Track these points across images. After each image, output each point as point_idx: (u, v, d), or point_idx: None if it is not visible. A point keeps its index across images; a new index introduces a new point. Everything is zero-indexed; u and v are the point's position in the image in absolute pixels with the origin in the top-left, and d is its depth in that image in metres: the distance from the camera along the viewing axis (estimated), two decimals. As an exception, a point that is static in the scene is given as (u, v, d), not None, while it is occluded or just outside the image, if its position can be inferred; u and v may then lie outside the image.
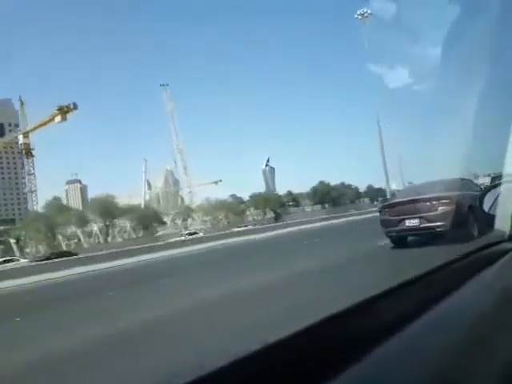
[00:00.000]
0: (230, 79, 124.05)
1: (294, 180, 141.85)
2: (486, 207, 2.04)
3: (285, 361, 0.63)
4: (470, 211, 8.37)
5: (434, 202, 8.71)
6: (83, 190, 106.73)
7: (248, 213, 75.82)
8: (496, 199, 1.94)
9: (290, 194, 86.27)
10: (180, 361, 1.98)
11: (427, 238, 8.80)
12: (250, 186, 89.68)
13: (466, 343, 0.83)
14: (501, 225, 1.72)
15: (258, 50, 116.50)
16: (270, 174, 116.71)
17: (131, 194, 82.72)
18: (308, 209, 79.15)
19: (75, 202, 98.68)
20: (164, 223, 71.01)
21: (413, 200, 9.15)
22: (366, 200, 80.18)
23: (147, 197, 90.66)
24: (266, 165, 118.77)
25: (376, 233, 10.28)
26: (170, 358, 2.65)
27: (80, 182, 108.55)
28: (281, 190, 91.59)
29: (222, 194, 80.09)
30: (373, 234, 11.28)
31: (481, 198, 2.08)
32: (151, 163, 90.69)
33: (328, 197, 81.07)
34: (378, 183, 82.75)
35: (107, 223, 62.23)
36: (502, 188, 1.97)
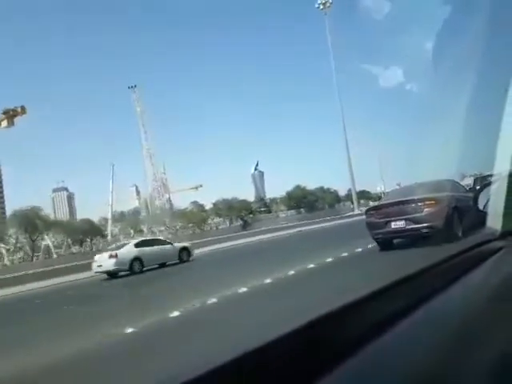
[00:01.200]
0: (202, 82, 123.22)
1: (271, 184, 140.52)
2: (480, 205, 2.08)
3: (276, 359, 0.65)
4: (455, 212, 8.64)
5: (420, 204, 8.85)
6: (70, 198, 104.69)
7: (210, 221, 70.41)
8: (489, 198, 1.98)
9: (261, 199, 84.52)
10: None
11: (412, 240, 9.00)
12: (232, 190, 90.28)
13: (456, 341, 0.85)
14: (492, 223, 1.76)
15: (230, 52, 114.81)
16: (259, 178, 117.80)
17: (118, 200, 78.88)
18: (282, 215, 76.07)
19: (62, 211, 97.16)
20: (105, 236, 64.02)
21: (398, 202, 9.30)
22: (349, 203, 78.07)
23: (136, 204, 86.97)
24: (255, 169, 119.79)
25: (352, 240, 10.60)
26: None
27: (67, 189, 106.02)
28: (273, 194, 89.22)
29: (206, 199, 77.70)
30: (347, 242, 11.54)
31: (475, 197, 2.14)
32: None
33: (305, 201, 78.73)
34: (363, 186, 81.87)
35: (33, 238, 54.10)
36: (493, 187, 2.03)
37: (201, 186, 77.45)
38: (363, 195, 76.57)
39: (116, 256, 16.34)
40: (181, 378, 0.56)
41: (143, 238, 21.28)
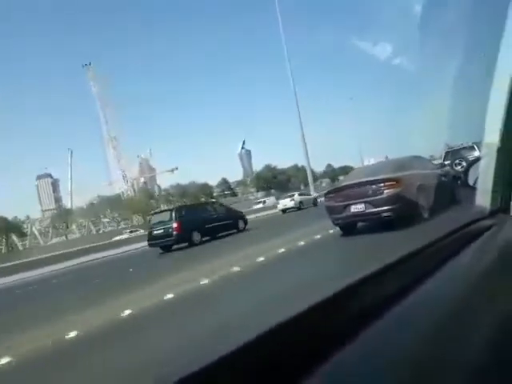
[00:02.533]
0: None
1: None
2: (470, 181, 2.07)
3: (271, 350, 0.66)
4: (421, 192, 8.43)
5: (380, 185, 8.50)
6: (55, 185, 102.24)
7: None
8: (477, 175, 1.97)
9: (224, 182, 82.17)
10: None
11: (375, 223, 8.85)
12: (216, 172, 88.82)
13: (450, 324, 0.86)
14: (481, 201, 1.76)
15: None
16: (246, 156, 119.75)
17: (111, 183, 77.67)
18: (250, 197, 72.92)
19: (47, 198, 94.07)
20: (24, 235, 58.94)
21: (358, 183, 8.97)
22: (326, 181, 76.07)
23: (124, 187, 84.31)
24: (242, 147, 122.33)
25: (313, 224, 10.70)
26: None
27: (51, 176, 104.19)
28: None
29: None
30: (306, 227, 11.72)
31: (465, 173, 2.15)
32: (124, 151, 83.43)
33: (275, 181, 76.80)
34: (344, 161, 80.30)
35: None
36: (482, 162, 2.03)
37: (176, 168, 77.25)
38: (344, 171, 73.59)
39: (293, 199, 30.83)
40: (178, 373, 0.56)
41: (300, 192, 36.50)
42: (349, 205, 8.80)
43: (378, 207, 8.42)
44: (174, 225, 15.94)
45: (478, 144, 14.66)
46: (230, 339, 0.66)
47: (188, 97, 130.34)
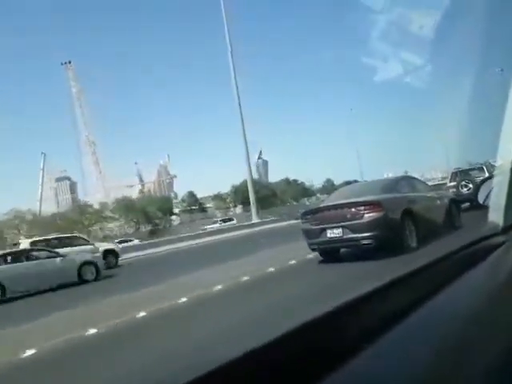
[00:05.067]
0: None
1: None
2: (481, 198, 2.17)
3: (275, 362, 0.67)
4: (407, 217, 7.90)
5: (360, 208, 7.84)
6: (73, 188, 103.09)
7: (111, 224, 57.65)
8: (490, 191, 2.08)
9: (191, 195, 76.23)
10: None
11: (354, 251, 8.28)
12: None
13: (460, 341, 0.87)
14: (494, 217, 1.82)
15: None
16: (263, 166, 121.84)
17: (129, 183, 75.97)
18: (219, 214, 66.38)
19: (65, 201, 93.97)
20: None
21: (336, 205, 8.41)
22: (324, 196, 73.85)
23: (136, 191, 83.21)
24: (259, 157, 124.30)
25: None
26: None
27: (69, 178, 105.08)
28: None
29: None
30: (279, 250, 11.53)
31: (476, 190, 2.19)
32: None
33: (257, 196, 73.11)
34: (350, 176, 76.08)
35: None
36: (495, 180, 2.13)
37: (175, 176, 75.75)
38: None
39: None
40: (181, 378, 0.58)
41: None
42: (325, 228, 8.17)
43: (357, 233, 7.78)
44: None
45: (487, 165, 14.52)
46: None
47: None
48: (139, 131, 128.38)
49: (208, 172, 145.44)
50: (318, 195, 74.59)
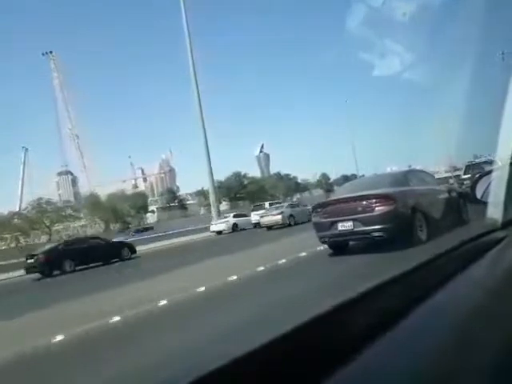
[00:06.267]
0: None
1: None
2: (478, 194, 2.16)
3: (276, 360, 0.68)
4: (417, 211, 8.05)
5: (371, 201, 8.09)
6: (74, 182, 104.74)
7: (76, 224, 53.08)
8: (488, 186, 2.08)
9: (170, 191, 74.78)
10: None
11: (369, 243, 8.37)
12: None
13: (461, 338, 0.89)
14: (493, 213, 1.84)
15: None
16: (264, 160, 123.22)
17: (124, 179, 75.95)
18: (212, 210, 64.26)
19: (67, 195, 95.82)
20: None
21: (347, 198, 8.65)
22: (318, 192, 68.92)
23: (142, 187, 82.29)
24: (261, 151, 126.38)
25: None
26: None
27: (71, 173, 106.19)
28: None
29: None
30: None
31: (473, 185, 2.24)
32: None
33: (244, 192, 68.19)
34: (349, 171, 74.70)
35: None
36: (494, 175, 2.13)
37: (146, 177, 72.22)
38: (340, 182, 65.74)
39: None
40: (184, 379, 0.59)
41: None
42: (336, 221, 8.43)
43: (368, 226, 8.03)
44: None
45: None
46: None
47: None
48: (137, 127, 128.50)
49: (191, 167, 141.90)
50: (313, 191, 72.66)
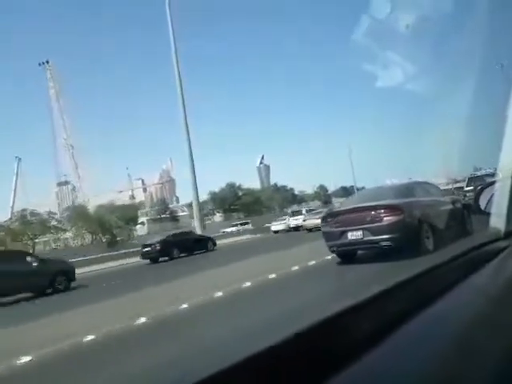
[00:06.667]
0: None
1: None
2: (482, 205, 2.21)
3: (280, 363, 0.69)
4: (424, 221, 8.23)
5: (380, 211, 8.37)
6: (74, 192, 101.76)
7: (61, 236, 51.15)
8: (491, 197, 2.13)
9: (162, 202, 75.03)
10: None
11: (377, 253, 8.53)
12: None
13: (462, 343, 0.91)
14: (496, 223, 1.86)
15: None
16: (264, 171, 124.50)
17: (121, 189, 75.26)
18: (195, 223, 61.52)
19: (67, 203, 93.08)
20: None
21: (356, 209, 8.89)
22: (316, 203, 67.61)
23: (140, 197, 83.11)
24: (261, 162, 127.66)
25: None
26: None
27: (70, 183, 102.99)
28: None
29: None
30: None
31: (477, 197, 2.28)
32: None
33: (239, 203, 67.84)
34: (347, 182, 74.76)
35: None
36: (497, 186, 2.17)
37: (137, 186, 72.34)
38: (344, 193, 67.00)
39: None
40: (191, 378, 0.60)
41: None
42: (346, 231, 8.65)
43: (377, 235, 8.27)
44: None
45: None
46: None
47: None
48: (137, 136, 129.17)
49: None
50: (310, 202, 71.10)
